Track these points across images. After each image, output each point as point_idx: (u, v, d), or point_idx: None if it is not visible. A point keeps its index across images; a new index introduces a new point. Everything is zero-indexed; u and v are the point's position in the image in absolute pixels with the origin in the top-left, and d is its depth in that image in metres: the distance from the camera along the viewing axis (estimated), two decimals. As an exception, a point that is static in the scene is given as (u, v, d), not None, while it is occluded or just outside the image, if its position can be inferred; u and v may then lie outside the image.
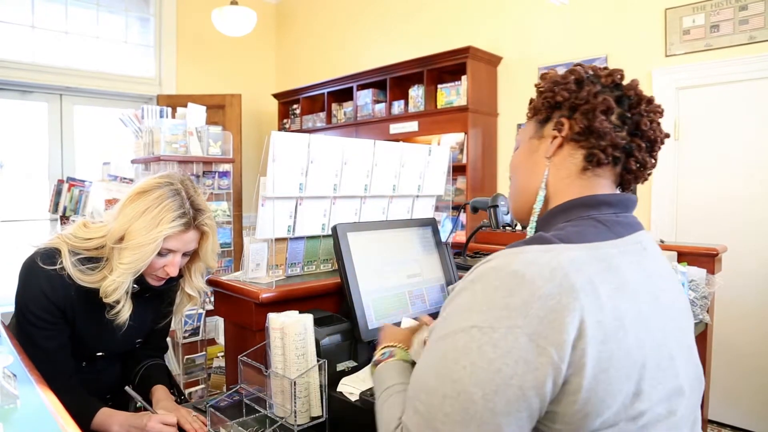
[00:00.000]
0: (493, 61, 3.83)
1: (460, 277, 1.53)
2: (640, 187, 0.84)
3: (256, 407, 1.17)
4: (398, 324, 1.24)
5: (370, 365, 0.94)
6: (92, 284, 1.22)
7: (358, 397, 1.06)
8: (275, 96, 5.46)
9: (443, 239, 1.58)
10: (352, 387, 1.10)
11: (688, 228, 3.02)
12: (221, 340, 2.60)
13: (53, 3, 4.50)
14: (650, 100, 0.78)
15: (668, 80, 3.03)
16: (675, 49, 3.03)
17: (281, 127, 5.42)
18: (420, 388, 0.67)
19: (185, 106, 2.89)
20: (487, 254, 2.01)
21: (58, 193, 3.15)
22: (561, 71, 0.84)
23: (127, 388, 1.32)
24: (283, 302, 1.30)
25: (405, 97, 4.14)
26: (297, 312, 1.17)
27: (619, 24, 3.24)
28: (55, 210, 3.16)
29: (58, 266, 1.21)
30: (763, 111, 2.77)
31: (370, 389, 1.06)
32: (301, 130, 5.03)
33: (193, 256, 1.35)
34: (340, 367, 1.21)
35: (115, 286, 1.20)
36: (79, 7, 4.65)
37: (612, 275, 0.67)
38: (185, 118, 2.85)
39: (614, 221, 0.74)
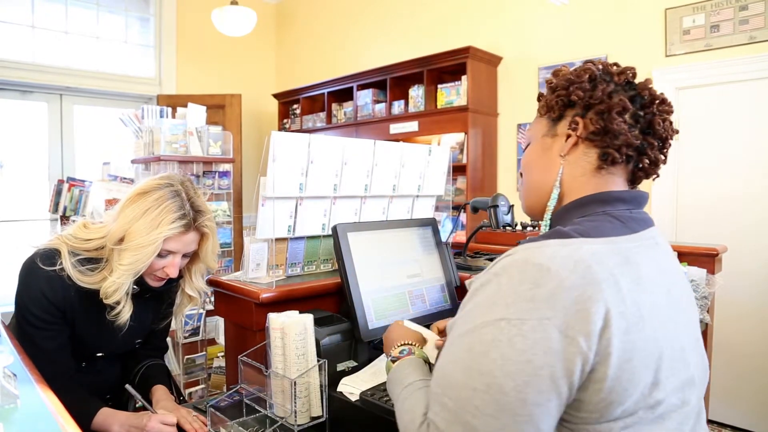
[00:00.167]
0: (493, 61, 3.83)
1: (461, 277, 1.54)
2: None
3: (257, 407, 1.17)
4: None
5: (386, 362, 0.94)
6: (92, 285, 1.22)
7: (358, 397, 1.06)
8: (275, 96, 5.46)
9: (443, 239, 1.58)
10: (352, 387, 1.10)
11: (688, 228, 3.02)
12: (221, 340, 2.60)
13: (53, 3, 4.50)
14: (663, 100, 0.79)
15: (668, 80, 3.03)
16: (675, 49, 3.03)
17: (281, 127, 5.42)
18: (446, 383, 0.67)
19: (185, 106, 2.89)
20: (488, 254, 1.99)
21: (58, 193, 3.15)
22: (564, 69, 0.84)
23: (127, 386, 1.32)
24: (283, 302, 1.31)
25: (405, 97, 4.14)
26: (297, 312, 1.17)
27: (619, 24, 3.24)
28: (55, 210, 3.16)
29: (57, 267, 1.21)
30: (763, 111, 2.77)
31: (371, 389, 1.06)
32: (301, 130, 5.03)
33: (193, 257, 1.35)
34: (340, 367, 1.21)
35: (115, 287, 1.20)
36: (79, 7, 4.65)
37: (630, 269, 0.68)
38: (185, 118, 2.85)
39: (628, 217, 0.76)
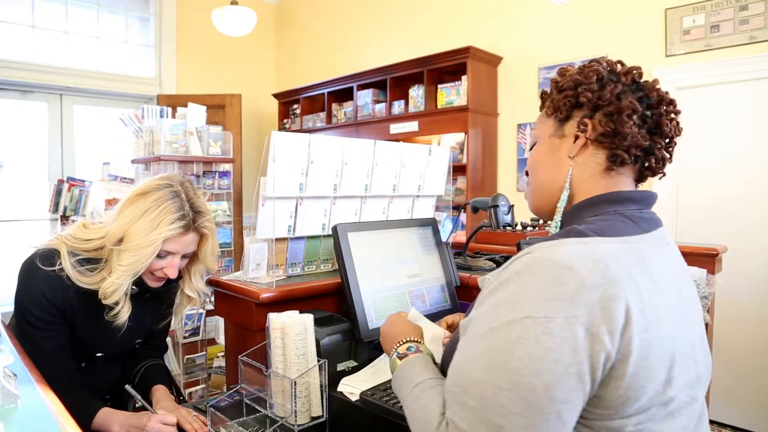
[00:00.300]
0: (493, 61, 3.83)
1: (461, 277, 1.54)
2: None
3: (257, 407, 1.17)
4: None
5: (391, 359, 0.92)
6: (91, 285, 1.22)
7: (358, 397, 1.06)
8: (275, 96, 5.46)
9: (443, 239, 1.58)
10: (352, 387, 1.10)
11: (688, 228, 3.02)
12: (221, 340, 2.60)
13: (53, 3, 4.50)
14: (671, 101, 0.80)
15: (668, 80, 3.02)
16: (675, 49, 3.03)
17: (281, 127, 5.42)
18: (466, 381, 0.66)
19: (185, 106, 2.89)
20: (488, 254, 1.99)
21: (58, 193, 3.15)
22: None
23: (127, 386, 1.32)
24: (283, 302, 1.30)
25: (405, 97, 4.14)
26: (297, 312, 1.17)
27: (619, 24, 3.24)
28: (55, 210, 3.16)
29: (57, 267, 1.21)
30: (763, 111, 2.77)
31: (371, 389, 1.06)
32: (301, 130, 5.03)
33: (192, 257, 1.35)
34: (340, 367, 1.21)
35: (114, 287, 1.20)
36: (79, 7, 4.65)
37: (645, 268, 0.69)
38: (185, 118, 2.85)
39: (639, 217, 0.76)
